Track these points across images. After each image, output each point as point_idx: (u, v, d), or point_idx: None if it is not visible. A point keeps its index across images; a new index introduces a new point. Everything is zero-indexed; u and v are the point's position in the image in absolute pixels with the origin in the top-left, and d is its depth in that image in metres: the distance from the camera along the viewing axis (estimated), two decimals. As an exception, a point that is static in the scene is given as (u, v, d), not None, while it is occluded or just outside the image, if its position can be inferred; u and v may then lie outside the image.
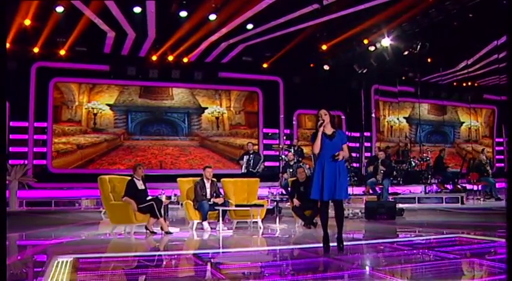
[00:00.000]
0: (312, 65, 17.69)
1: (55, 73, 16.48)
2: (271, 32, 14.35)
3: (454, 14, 12.57)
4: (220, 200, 9.31)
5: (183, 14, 13.11)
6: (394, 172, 14.66)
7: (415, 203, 13.46)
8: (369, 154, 18.36)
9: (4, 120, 3.48)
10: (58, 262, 5.46)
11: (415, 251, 6.31)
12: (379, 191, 12.82)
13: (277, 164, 17.10)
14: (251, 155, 12.96)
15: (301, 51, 15.96)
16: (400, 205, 12.73)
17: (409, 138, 18.29)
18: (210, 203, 9.26)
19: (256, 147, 14.68)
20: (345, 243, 6.09)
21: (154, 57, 16.59)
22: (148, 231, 8.66)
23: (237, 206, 9.15)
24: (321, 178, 5.84)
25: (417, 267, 5.21)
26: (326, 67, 17.35)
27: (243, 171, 12.89)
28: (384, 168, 12.74)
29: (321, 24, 13.82)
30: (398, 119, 20.56)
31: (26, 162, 14.65)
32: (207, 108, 18.58)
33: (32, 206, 12.83)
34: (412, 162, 15.60)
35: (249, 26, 14.12)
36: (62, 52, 15.60)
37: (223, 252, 6.91)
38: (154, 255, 6.79)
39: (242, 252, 6.91)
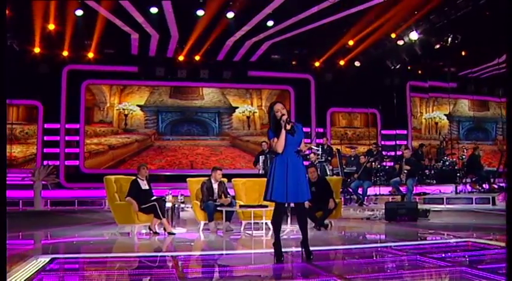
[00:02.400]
0: (342, 62, 17.20)
1: (86, 75, 16.86)
2: (294, 28, 14.03)
3: (484, 3, 11.81)
4: (226, 201, 9.11)
5: (200, 12, 13.01)
6: (426, 171, 14.03)
7: (443, 204, 12.79)
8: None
9: (4, 121, 3.44)
10: (34, 262, 5.43)
11: (404, 257, 5.86)
12: (405, 191, 12.26)
13: (306, 163, 16.76)
14: (267, 155, 12.70)
15: (330, 47, 15.55)
16: (428, 206, 12.26)
17: (443, 136, 17.46)
18: (216, 203, 9.09)
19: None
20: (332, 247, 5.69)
21: (181, 58, 16.64)
22: (151, 232, 8.58)
23: (241, 206, 8.91)
24: (284, 178, 5.34)
25: (384, 276, 4.80)
26: (357, 63, 16.85)
27: (260, 172, 12.65)
28: (408, 167, 12.18)
29: (344, 19, 13.37)
30: (437, 116, 19.71)
31: (49, 163, 14.96)
32: (237, 107, 18.49)
33: (57, 205, 13.07)
34: (446, 161, 14.87)
35: (270, 23, 13.87)
36: (91, 55, 15.90)
37: (212, 254, 6.69)
38: (144, 256, 6.61)
39: (231, 255, 6.68)
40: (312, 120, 18.48)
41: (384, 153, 16.43)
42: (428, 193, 13.53)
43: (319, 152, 14.65)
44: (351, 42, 14.83)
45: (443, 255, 6.12)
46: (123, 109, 17.53)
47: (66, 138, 16.72)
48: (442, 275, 4.88)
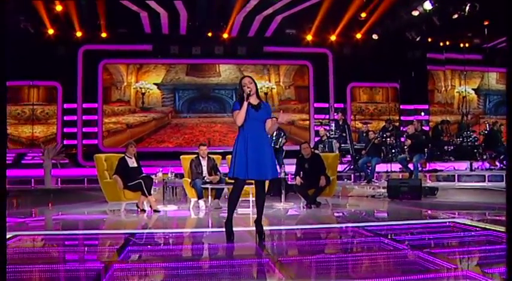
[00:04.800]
0: (359, 35, 16.65)
1: (102, 55, 17.03)
2: (302, 1, 13.64)
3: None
4: (215, 178, 9.06)
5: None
6: (445, 148, 13.49)
7: (454, 181, 12.28)
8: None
9: (4, 116, 3.48)
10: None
11: (364, 238, 5.61)
12: (413, 168, 11.84)
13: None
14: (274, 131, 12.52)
15: (343, 20, 15.07)
16: (438, 184, 11.83)
17: (464, 111, 16.69)
18: (206, 181, 9.04)
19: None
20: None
21: (193, 35, 16.50)
22: (139, 209, 8.63)
23: (227, 184, 8.80)
24: (244, 154, 5.23)
25: (320, 258, 4.59)
26: (375, 36, 16.28)
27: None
28: (409, 141, 11.75)
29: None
30: (465, 90, 18.88)
31: (59, 142, 15.30)
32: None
33: (68, 183, 13.38)
34: (467, 136, 14.25)
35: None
36: (104, 35, 16.00)
37: (193, 232, 6.65)
38: (121, 233, 6.60)
39: (199, 233, 6.61)
40: (331, 96, 18.08)
41: (403, 129, 15.91)
42: (441, 170, 13.03)
43: (333, 128, 14.36)
44: (363, 14, 14.30)
45: (410, 237, 5.84)
46: (140, 88, 17.64)
47: (84, 117, 17.00)
48: (389, 259, 4.63)
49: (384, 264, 4.41)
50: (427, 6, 13.28)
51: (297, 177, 9.31)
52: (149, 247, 5.48)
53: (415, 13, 13.96)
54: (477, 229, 6.00)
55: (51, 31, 15.51)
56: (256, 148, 5.27)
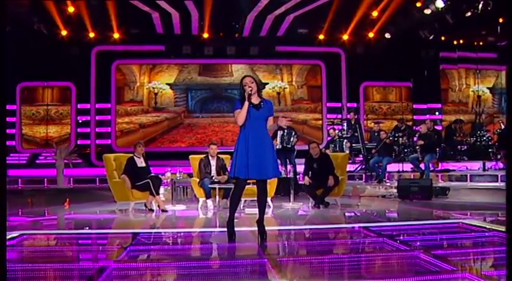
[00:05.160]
0: (371, 34, 16.53)
1: (115, 56, 17.16)
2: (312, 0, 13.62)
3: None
4: (223, 178, 9.05)
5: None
6: (458, 147, 13.33)
7: (466, 181, 12.12)
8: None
9: (4, 117, 3.55)
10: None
11: (366, 239, 5.57)
12: (424, 168, 11.73)
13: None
14: (285, 130, 12.48)
15: (355, 19, 14.99)
16: (449, 184, 11.69)
17: (478, 110, 16.47)
18: (214, 180, 9.05)
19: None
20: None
21: (205, 35, 16.55)
22: (147, 208, 8.68)
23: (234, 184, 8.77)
24: (245, 153, 5.22)
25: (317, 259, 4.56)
26: (387, 35, 16.16)
27: (278, 147, 12.46)
28: (421, 142, 11.63)
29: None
30: (480, 89, 18.62)
31: (73, 143, 15.47)
32: (267, 83, 18.28)
33: (80, 183, 13.51)
34: (480, 136, 14.07)
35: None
36: (116, 35, 16.12)
37: (197, 232, 6.67)
38: (128, 232, 6.64)
39: (205, 233, 6.63)
40: (343, 95, 17.99)
41: (416, 128, 15.77)
42: (454, 170, 12.88)
43: (345, 128, 14.30)
44: (374, 13, 14.21)
45: (414, 238, 5.78)
46: (153, 88, 17.75)
47: (97, 118, 17.15)
48: (388, 260, 4.58)
49: (383, 265, 4.37)
50: (439, 4, 13.14)
51: (306, 177, 9.28)
52: (149, 246, 5.49)
53: (427, 11, 13.82)
54: (484, 230, 5.91)
55: (64, 32, 15.68)
56: (257, 147, 5.26)
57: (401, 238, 5.68)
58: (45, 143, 16.83)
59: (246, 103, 5.27)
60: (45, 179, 13.57)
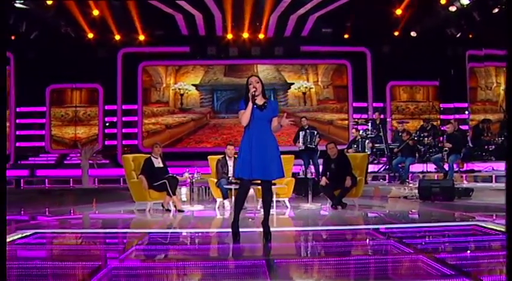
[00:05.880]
0: (396, 32, 16.28)
1: (141, 58, 17.39)
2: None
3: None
4: (239, 179, 9.05)
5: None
6: (485, 147, 13.01)
7: (492, 182, 11.81)
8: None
9: (4, 119, 3.69)
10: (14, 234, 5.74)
11: (379, 241, 5.48)
12: (448, 169, 11.49)
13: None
14: (307, 131, 12.43)
15: (379, 18, 14.79)
16: (474, 185, 11.42)
17: (504, 108, 16.00)
18: (231, 181, 9.06)
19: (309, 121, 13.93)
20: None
21: (229, 35, 16.62)
22: (164, 209, 8.77)
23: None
24: (249, 154, 5.22)
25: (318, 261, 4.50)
26: (413, 34, 15.89)
27: (300, 148, 12.43)
28: (449, 144, 11.38)
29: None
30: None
31: (98, 144, 15.76)
32: (293, 83, 18.25)
33: (104, 183, 13.76)
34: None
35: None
36: (142, 37, 16.34)
37: (208, 232, 6.70)
38: (140, 232, 6.73)
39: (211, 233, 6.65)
40: (369, 95, 17.79)
41: (443, 128, 15.46)
42: (479, 171, 12.56)
43: (369, 128, 14.14)
44: (398, 11, 13.98)
45: (422, 240, 5.67)
46: (179, 89, 17.93)
47: (124, 118, 17.44)
48: (388, 263, 4.50)
49: (383, 268, 4.28)
50: (464, 1, 12.85)
51: (323, 177, 9.21)
52: (154, 246, 5.55)
53: (452, 9, 13.52)
54: (498, 233, 5.74)
55: (90, 35, 15.98)
56: (261, 147, 5.25)
57: (411, 240, 5.57)
58: (73, 144, 17.16)
59: (250, 104, 5.26)
60: (71, 179, 13.88)
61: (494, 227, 6.05)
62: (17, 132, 17.03)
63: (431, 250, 4.83)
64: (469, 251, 5.06)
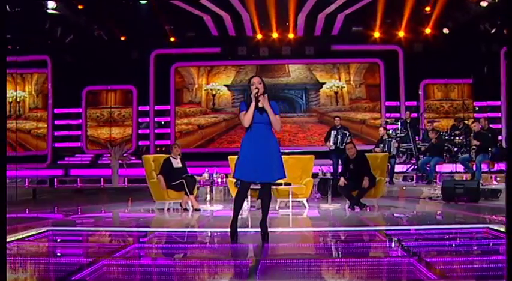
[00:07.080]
0: (428, 30, 15.91)
1: (173, 59, 17.68)
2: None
3: None
4: (257, 179, 9.10)
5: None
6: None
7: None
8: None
9: (4, 117, 3.93)
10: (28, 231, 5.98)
11: (381, 243, 5.40)
12: (475, 169, 11.17)
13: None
14: (338, 130, 12.34)
15: (410, 14, 14.52)
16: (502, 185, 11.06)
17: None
18: (248, 181, 9.12)
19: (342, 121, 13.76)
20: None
21: (259, 36, 16.68)
22: (181, 208, 8.93)
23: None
24: (249, 155, 5.21)
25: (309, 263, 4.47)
26: (445, 31, 15.50)
27: (331, 147, 12.34)
28: (476, 142, 11.06)
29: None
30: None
31: (126, 144, 16.13)
32: (325, 83, 18.14)
33: (133, 183, 14.08)
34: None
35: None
36: (172, 39, 16.61)
37: (215, 232, 6.77)
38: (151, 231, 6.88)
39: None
40: (401, 94, 17.48)
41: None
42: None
43: (399, 127, 13.92)
44: (427, 8, 13.68)
45: (424, 243, 5.56)
46: (211, 89, 18.12)
47: (156, 119, 17.78)
48: (381, 266, 4.44)
49: (370, 271, 4.23)
50: (493, -4, 12.47)
51: (341, 178, 9.15)
52: (152, 245, 5.67)
53: (484, 4, 13.12)
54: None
55: (123, 37, 16.38)
56: (261, 149, 5.24)
57: (414, 243, 5.49)
58: (108, 144, 17.64)
59: (253, 104, 5.23)
60: (102, 179, 14.28)
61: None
62: (55, 133, 17.62)
63: (423, 254, 4.72)
64: (468, 255, 4.91)
